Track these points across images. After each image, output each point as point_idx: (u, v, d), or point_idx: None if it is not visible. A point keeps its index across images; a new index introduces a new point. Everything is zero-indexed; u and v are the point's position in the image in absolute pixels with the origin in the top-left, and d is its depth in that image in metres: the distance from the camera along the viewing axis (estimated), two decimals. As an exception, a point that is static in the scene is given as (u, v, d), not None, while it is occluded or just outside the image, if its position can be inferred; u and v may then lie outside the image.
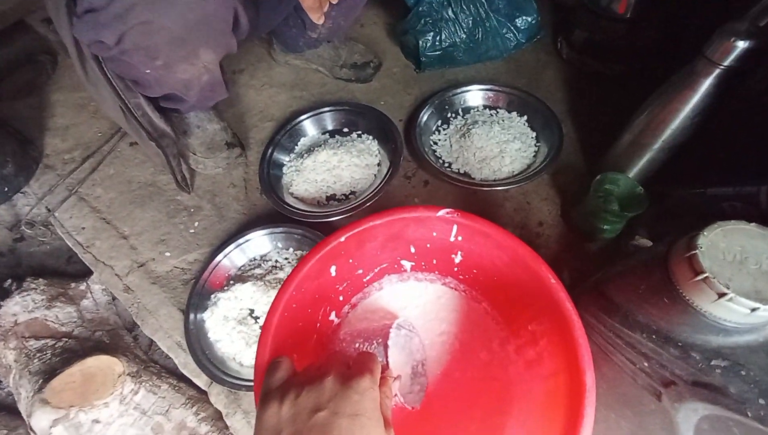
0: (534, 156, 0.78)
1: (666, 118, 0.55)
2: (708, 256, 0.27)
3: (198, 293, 0.68)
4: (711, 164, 0.58)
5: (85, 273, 0.78)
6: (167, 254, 0.75)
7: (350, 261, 0.46)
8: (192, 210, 0.80)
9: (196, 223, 0.78)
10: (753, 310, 0.25)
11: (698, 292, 0.27)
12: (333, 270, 0.44)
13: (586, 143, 0.80)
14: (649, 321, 0.29)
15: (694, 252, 0.27)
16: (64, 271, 0.84)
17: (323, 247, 0.40)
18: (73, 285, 0.75)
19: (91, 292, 0.77)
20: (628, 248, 0.63)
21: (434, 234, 0.45)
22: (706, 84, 0.50)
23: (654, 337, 0.29)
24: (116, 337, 0.72)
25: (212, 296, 0.68)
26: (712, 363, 0.26)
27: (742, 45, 0.45)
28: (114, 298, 0.76)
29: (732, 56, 0.47)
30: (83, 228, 0.79)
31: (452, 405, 0.47)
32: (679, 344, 0.28)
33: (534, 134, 0.81)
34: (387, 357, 0.46)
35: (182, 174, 0.76)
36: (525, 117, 0.83)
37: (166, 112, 0.74)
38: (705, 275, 0.26)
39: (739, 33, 0.45)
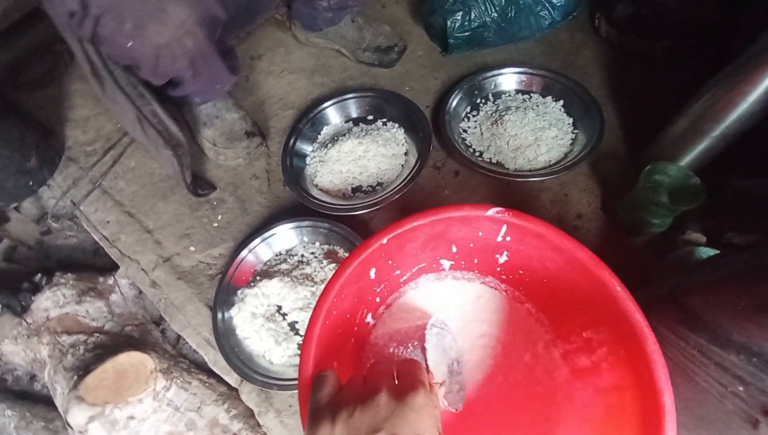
0: (571, 144, 0.74)
1: (732, 101, 0.49)
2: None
3: (224, 289, 0.67)
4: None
5: (111, 266, 0.78)
6: (192, 249, 0.74)
7: (390, 262, 0.43)
8: (215, 203, 0.78)
9: (220, 217, 0.76)
10: None
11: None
12: (372, 272, 0.42)
13: (630, 130, 0.75)
14: (748, 342, 0.26)
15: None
16: (92, 264, 0.84)
17: (364, 249, 0.38)
18: (101, 279, 0.75)
19: (118, 287, 0.76)
20: (677, 244, 0.59)
21: (480, 234, 0.42)
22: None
23: (755, 359, 0.26)
24: (145, 332, 0.72)
25: (239, 292, 0.67)
26: (832, 394, 0.23)
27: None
28: (141, 292, 0.76)
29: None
30: (108, 221, 0.78)
31: (495, 411, 0.45)
32: (788, 370, 0.25)
33: (571, 120, 0.76)
34: (426, 361, 0.44)
35: (193, 183, 0.74)
36: (561, 102, 0.78)
37: (181, 116, 0.71)
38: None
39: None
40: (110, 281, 0.74)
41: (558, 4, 0.83)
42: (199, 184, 0.77)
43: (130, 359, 0.60)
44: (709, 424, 0.29)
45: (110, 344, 0.65)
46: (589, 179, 0.72)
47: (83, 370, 0.59)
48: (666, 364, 0.29)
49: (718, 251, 0.53)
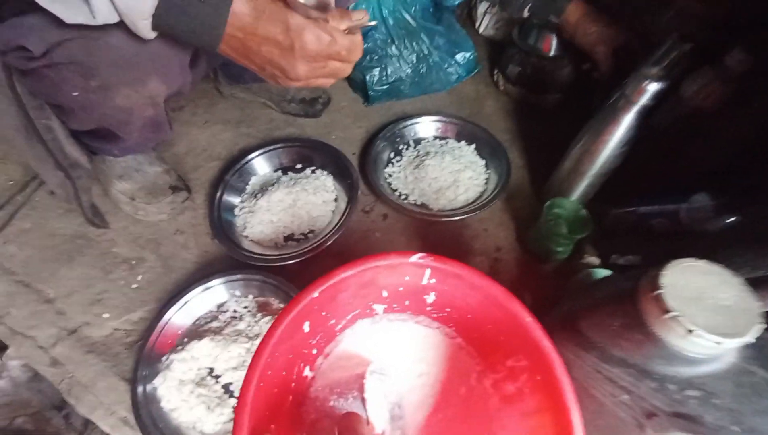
0: (485, 183, 0.82)
1: (598, 148, 0.61)
2: (671, 295, 0.29)
3: (146, 358, 0.61)
4: (640, 186, 0.66)
5: (-2, 347, 0.66)
6: (105, 316, 0.67)
7: (323, 313, 0.44)
8: (133, 262, 0.72)
9: (139, 277, 0.70)
10: (717, 343, 0.28)
11: (668, 329, 0.29)
12: (306, 326, 0.42)
13: (532, 169, 0.86)
14: (625, 356, 0.31)
15: (659, 292, 0.29)
16: (-30, 348, 0.70)
17: (295, 305, 0.38)
18: (-18, 365, 0.63)
19: (7, 370, 0.65)
20: (579, 267, 0.68)
21: (407, 278, 0.45)
22: (627, 119, 0.57)
23: (632, 371, 0.31)
24: (42, 421, 0.62)
25: (164, 359, 0.61)
26: (686, 393, 0.29)
27: (653, 87, 0.53)
28: (37, 374, 0.66)
29: (646, 96, 0.54)
30: (-7, 295, 0.68)
31: (438, 449, 0.46)
32: (656, 377, 0.30)
33: (483, 162, 0.86)
34: (367, 412, 0.44)
35: (92, 209, 0.69)
36: (473, 145, 0.88)
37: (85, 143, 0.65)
38: (674, 314, 0.29)
39: (651, 76, 0.52)
40: (-4, 366, 0.63)
41: (462, 63, 0.95)
42: (97, 214, 0.70)
43: (22, 460, 0.50)
44: (610, 432, 0.33)
45: (-5, 445, 0.54)
46: (504, 214, 0.80)
47: (-44, 484, 0.48)
48: (572, 384, 0.34)
49: (609, 272, 0.63)
